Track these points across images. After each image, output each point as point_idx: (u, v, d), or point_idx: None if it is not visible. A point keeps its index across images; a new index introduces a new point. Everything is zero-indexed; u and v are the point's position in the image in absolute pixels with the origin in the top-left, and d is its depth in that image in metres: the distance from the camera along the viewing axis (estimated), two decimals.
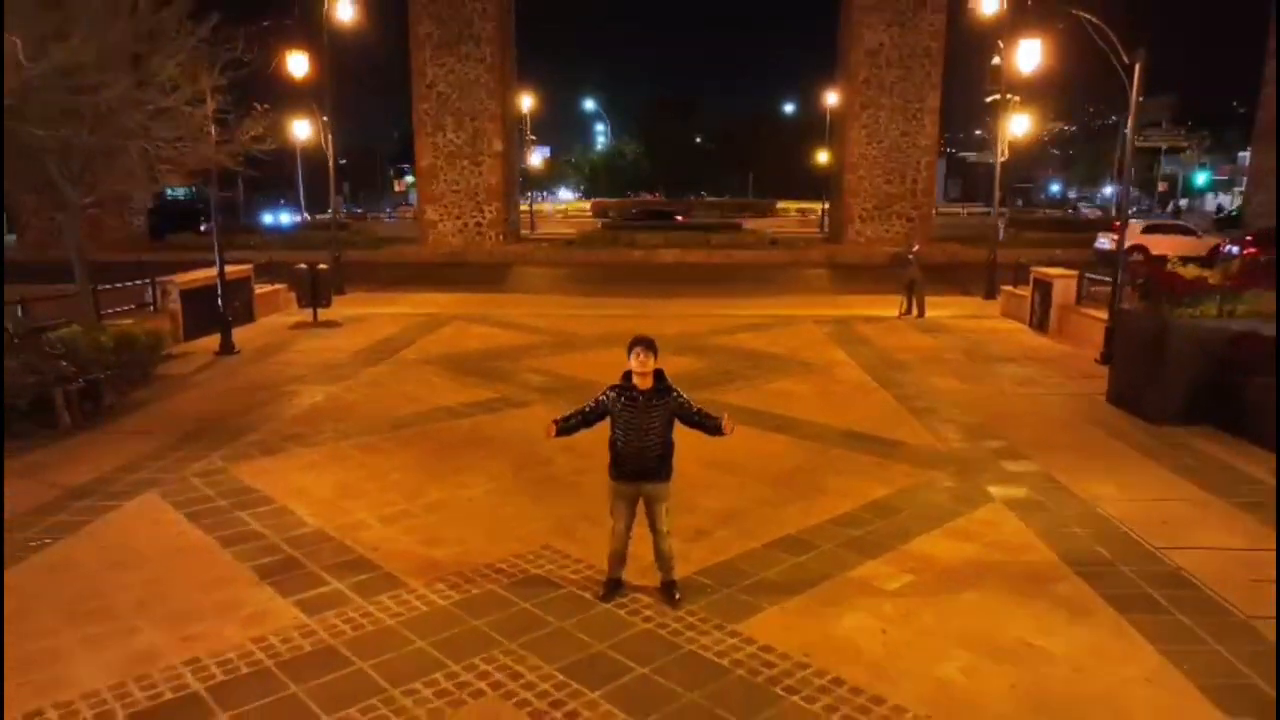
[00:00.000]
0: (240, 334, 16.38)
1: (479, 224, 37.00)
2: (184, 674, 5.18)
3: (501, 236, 37.36)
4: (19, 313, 12.84)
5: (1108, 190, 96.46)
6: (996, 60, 23.40)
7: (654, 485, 5.90)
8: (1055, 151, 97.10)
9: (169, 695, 4.96)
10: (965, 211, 70.32)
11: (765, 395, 12.31)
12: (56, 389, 10.33)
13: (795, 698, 4.92)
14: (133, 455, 9.46)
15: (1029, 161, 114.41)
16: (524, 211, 49.69)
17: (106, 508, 7.95)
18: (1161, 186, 71.69)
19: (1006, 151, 23.28)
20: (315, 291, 19.20)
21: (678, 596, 6.03)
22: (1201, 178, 76.58)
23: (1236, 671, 5.22)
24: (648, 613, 5.91)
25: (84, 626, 5.73)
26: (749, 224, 55.05)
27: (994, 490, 8.40)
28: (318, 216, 73.09)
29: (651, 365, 5.77)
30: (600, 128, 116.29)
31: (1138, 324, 11.14)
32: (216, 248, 15.61)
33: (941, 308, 21.20)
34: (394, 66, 38.25)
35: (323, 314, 19.28)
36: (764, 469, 8.84)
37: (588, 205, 75.36)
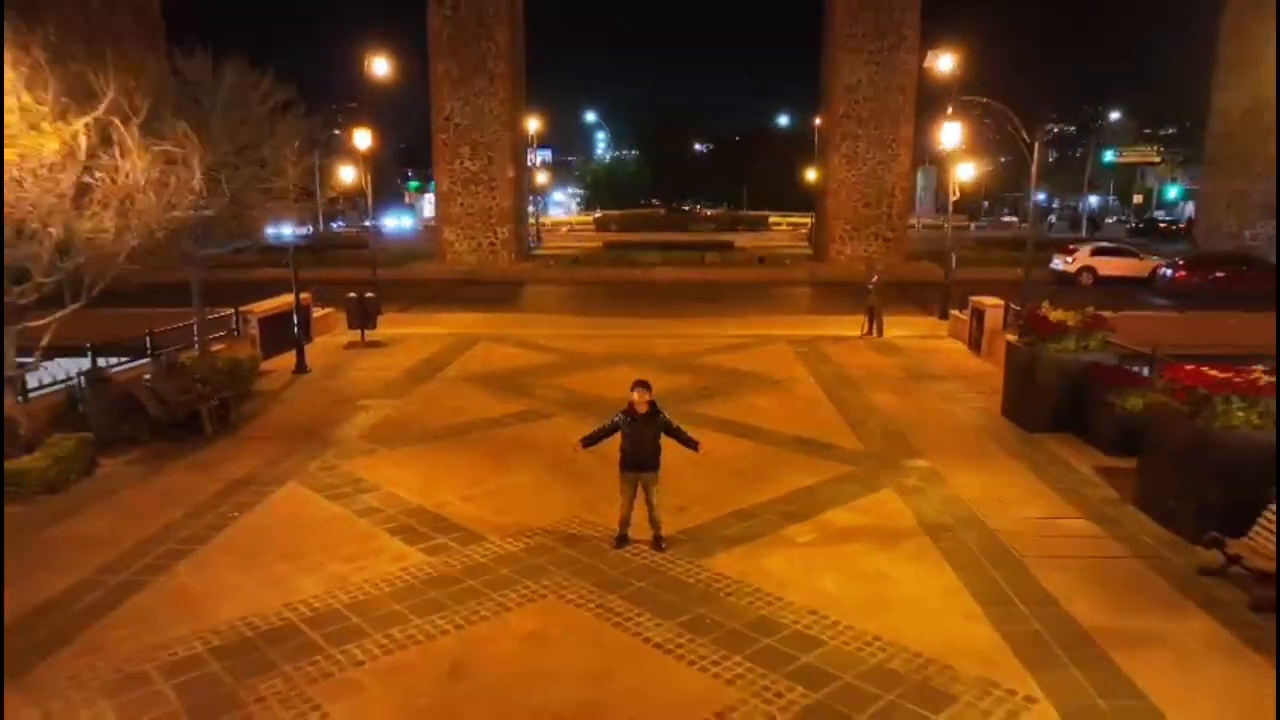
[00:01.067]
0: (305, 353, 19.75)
1: (492, 244, 40.38)
2: (364, 586, 8.60)
3: (513, 255, 40.74)
4: (149, 346, 16.27)
5: (1092, 200, 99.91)
6: (950, 111, 26.78)
7: (648, 474, 9.31)
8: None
9: (360, 597, 8.38)
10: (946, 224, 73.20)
11: (738, 408, 15.71)
12: (201, 405, 13.76)
13: (731, 598, 8.34)
14: (267, 455, 12.88)
15: (1015, 170, 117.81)
16: (529, 224, 53.01)
17: (266, 492, 11.38)
18: (1137, 198, 75.13)
19: (958, 192, 26.63)
20: (364, 316, 22.64)
21: (663, 546, 9.43)
22: (1174, 191, 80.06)
23: (998, 585, 8.63)
24: (644, 555, 9.33)
25: (293, 562, 9.16)
26: (742, 238, 58.49)
27: (890, 480, 11.82)
28: (335, 228, 76.08)
29: (646, 399, 9.18)
30: (601, 135, 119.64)
31: (1017, 354, 14.57)
32: (294, 284, 19.03)
33: (900, 328, 24.59)
34: (409, 84, 41.49)
35: (369, 335, 22.71)
36: (730, 465, 12.24)
37: (590, 218, 78.42)
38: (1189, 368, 10.14)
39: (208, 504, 10.96)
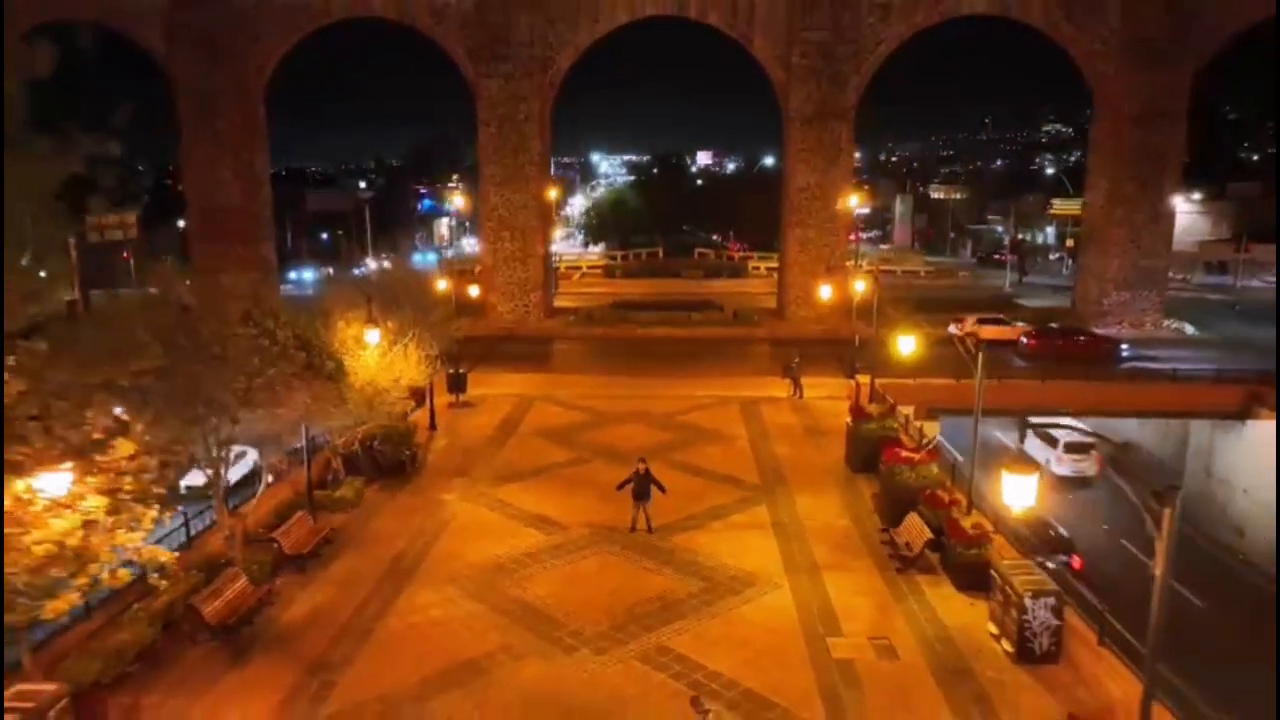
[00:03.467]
0: (425, 414, 31.20)
1: (525, 306, 51.84)
2: (521, 549, 20.36)
3: (541, 314, 52.22)
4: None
5: (1050, 229, 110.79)
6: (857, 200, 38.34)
7: (645, 500, 21.09)
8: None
9: (521, 553, 20.15)
10: (898, 270, 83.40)
11: (696, 455, 27.41)
12: (405, 456, 25.47)
13: (680, 553, 20.11)
14: (445, 485, 24.64)
15: (971, 205, 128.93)
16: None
17: (454, 504, 23.14)
18: (1069, 243, 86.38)
19: (878, 284, 38.06)
20: (459, 384, 34.35)
21: (652, 531, 21.16)
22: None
23: (791, 548, 20.38)
24: (642, 536, 21.06)
25: (487, 539, 20.93)
26: (725, 285, 70.16)
27: (766, 501, 23.53)
28: (359, 270, 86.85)
29: (644, 467, 20.97)
30: (604, 167, 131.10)
31: (849, 427, 26.29)
32: (429, 390, 30.70)
33: (817, 389, 36.16)
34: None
35: (461, 398, 34.38)
36: (684, 493, 23.84)
37: (597, 257, 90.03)
38: (894, 449, 21.91)
39: (430, 512, 22.72)
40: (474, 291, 49.56)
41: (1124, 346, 42.52)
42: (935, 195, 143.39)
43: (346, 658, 15.71)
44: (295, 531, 19.72)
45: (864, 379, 33.11)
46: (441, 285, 37.72)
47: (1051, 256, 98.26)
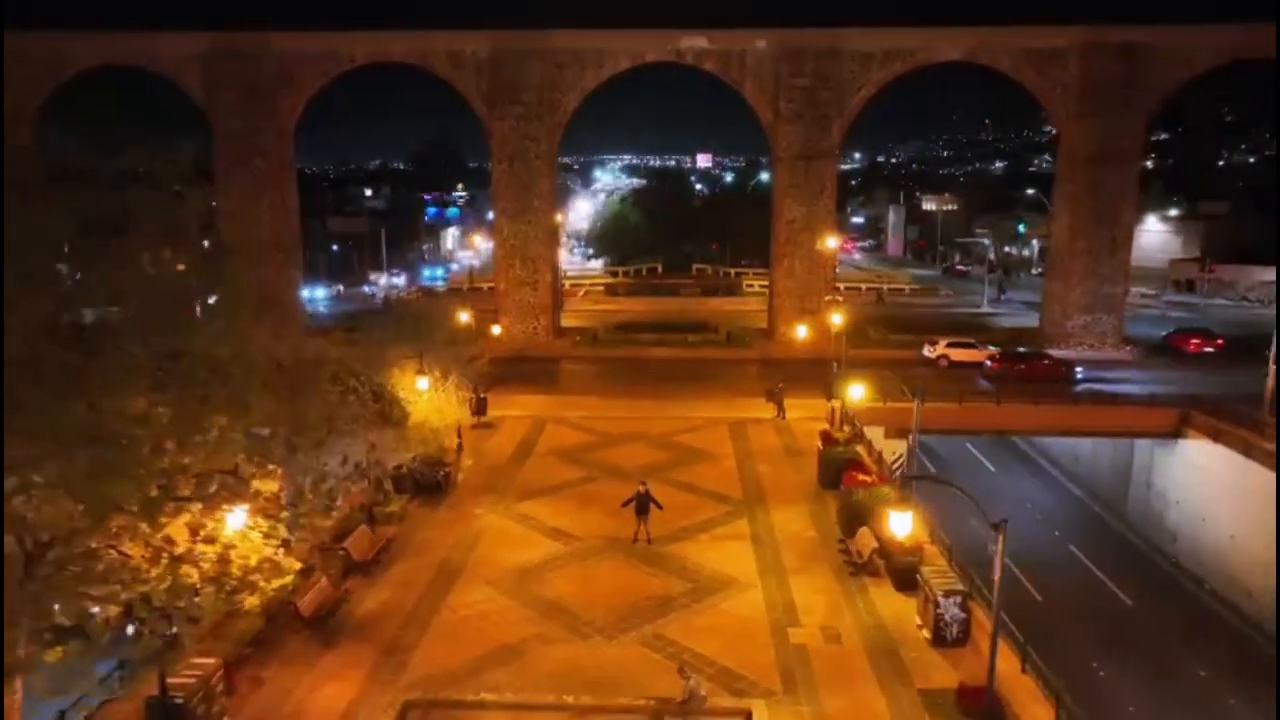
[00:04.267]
0: (453, 436, 35.66)
1: (535, 329, 56.26)
2: (542, 556, 24.87)
3: (550, 335, 56.69)
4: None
5: (1035, 243, 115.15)
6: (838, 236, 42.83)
7: (645, 515, 25.58)
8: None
9: (542, 559, 24.65)
10: (885, 288, 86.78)
11: (688, 474, 31.88)
12: (440, 476, 29.96)
13: (673, 560, 24.60)
14: (475, 501, 29.15)
15: (970, 214, 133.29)
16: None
17: (484, 517, 27.65)
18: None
19: (843, 342, 42.43)
20: (481, 407, 38.82)
21: (650, 542, 25.64)
22: None
23: (766, 556, 24.87)
24: (643, 546, 25.53)
25: (513, 547, 25.42)
26: (721, 303, 74.65)
27: (747, 515, 28.02)
28: (369, 287, 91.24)
29: (644, 489, 25.47)
30: (605, 180, 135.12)
31: (820, 450, 30.75)
32: (459, 434, 35.20)
33: (799, 409, 40.54)
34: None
35: (482, 419, 38.85)
36: (677, 508, 28.25)
37: (600, 273, 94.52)
38: (853, 472, 26.41)
39: (466, 525, 27.23)
40: (496, 330, 53.76)
41: (1079, 369, 47.01)
42: (927, 206, 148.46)
43: (413, 643, 20.21)
44: (360, 542, 24.22)
45: (837, 403, 37.52)
46: (464, 318, 42.13)
47: (1034, 272, 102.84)
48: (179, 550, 14.82)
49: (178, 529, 15.04)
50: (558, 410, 41.22)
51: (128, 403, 14.19)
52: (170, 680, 15.92)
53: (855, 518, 25.34)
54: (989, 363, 47.56)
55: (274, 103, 54.17)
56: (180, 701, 15.87)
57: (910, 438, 33.91)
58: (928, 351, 50.56)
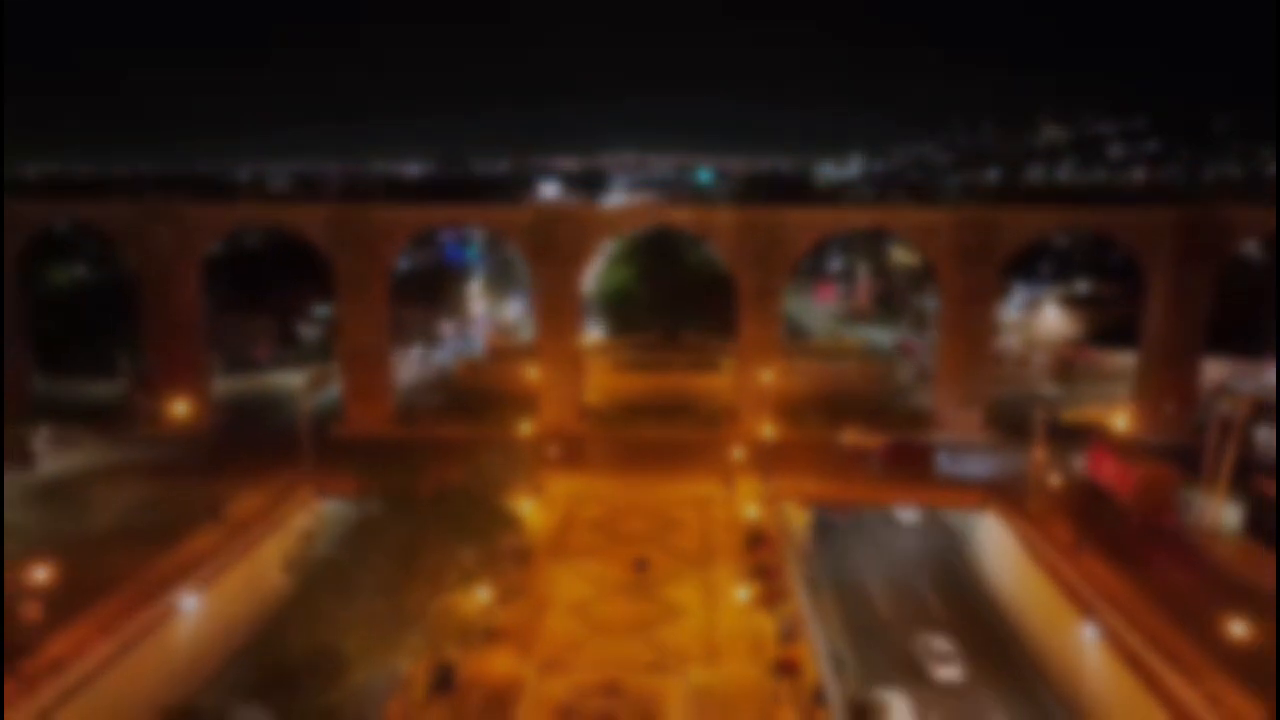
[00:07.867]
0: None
1: (565, 413, 77.66)
2: (587, 597, 46.67)
3: (576, 417, 78.25)
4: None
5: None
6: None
7: (643, 571, 47.31)
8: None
9: (587, 597, 46.48)
10: (830, 367, 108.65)
11: (667, 537, 53.66)
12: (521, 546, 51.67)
13: (659, 595, 46.41)
14: (544, 562, 50.90)
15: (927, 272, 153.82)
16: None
17: (554, 569, 49.47)
18: None
19: (777, 432, 63.94)
20: (537, 489, 60.49)
21: (648, 570, 47.37)
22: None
23: (708, 590, 46.65)
24: (642, 587, 47.24)
25: (569, 587, 47.25)
26: (705, 380, 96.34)
27: (701, 565, 49.74)
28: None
29: (643, 558, 47.30)
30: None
31: (747, 523, 52.44)
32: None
33: (746, 485, 62.06)
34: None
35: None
36: (661, 565, 49.83)
37: (598, 335, 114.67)
38: (763, 543, 48.21)
39: (542, 575, 49.01)
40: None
41: (942, 454, 68.55)
42: (895, 258, 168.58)
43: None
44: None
45: (766, 487, 59.04)
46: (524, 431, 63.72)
47: None
48: None
49: None
50: (586, 488, 62.79)
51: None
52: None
53: (761, 571, 47.06)
54: (879, 449, 69.13)
55: (380, 252, 75.82)
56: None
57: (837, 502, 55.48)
58: (844, 438, 72.18)
